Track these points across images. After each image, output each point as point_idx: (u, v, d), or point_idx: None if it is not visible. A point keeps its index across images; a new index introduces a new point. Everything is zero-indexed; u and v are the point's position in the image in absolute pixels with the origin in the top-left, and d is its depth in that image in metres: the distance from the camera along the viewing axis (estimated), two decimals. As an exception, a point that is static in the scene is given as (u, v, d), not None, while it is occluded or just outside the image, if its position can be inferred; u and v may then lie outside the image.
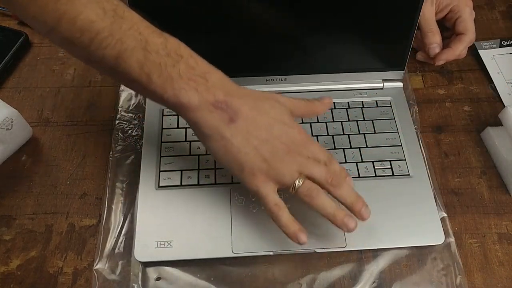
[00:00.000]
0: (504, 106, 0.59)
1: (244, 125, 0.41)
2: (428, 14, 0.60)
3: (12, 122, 0.50)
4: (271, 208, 0.42)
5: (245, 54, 0.55)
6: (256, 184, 0.42)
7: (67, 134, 0.56)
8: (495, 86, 0.61)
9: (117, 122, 0.56)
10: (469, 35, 0.59)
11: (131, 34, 0.37)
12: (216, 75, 0.41)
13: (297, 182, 0.42)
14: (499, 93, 0.60)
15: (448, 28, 0.63)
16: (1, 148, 0.51)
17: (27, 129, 0.54)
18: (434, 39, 0.59)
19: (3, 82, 0.59)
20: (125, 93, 0.58)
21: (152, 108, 0.56)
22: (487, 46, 0.64)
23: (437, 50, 0.59)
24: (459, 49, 0.59)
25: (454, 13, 0.60)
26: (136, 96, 0.58)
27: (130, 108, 0.57)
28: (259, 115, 0.42)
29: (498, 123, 0.54)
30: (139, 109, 0.57)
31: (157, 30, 0.39)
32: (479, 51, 0.64)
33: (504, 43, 0.65)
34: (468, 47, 0.61)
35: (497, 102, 0.60)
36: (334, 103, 0.57)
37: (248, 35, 0.53)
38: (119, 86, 0.59)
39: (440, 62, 0.60)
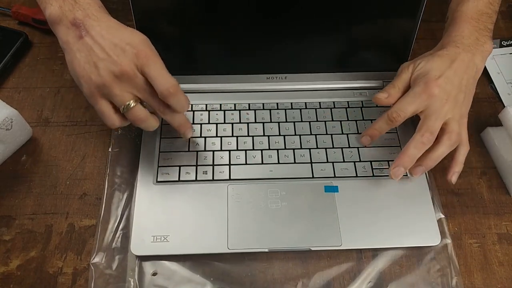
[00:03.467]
0: (504, 106, 0.59)
1: (90, 42, 0.44)
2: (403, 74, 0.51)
3: (12, 122, 0.50)
4: (107, 124, 0.46)
5: (245, 53, 0.56)
6: (94, 101, 0.45)
7: (67, 134, 0.56)
8: (495, 86, 0.61)
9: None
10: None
11: None
12: (87, 0, 0.45)
13: (126, 104, 0.44)
14: (499, 93, 0.60)
15: None
16: (1, 148, 0.51)
17: (27, 129, 0.54)
18: (385, 89, 0.50)
19: (3, 82, 0.59)
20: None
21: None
22: (487, 46, 0.64)
23: (382, 100, 0.50)
24: (379, 127, 0.50)
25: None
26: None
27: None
28: (108, 36, 0.44)
29: (498, 123, 0.54)
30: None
31: None
32: (479, 51, 0.64)
33: (504, 43, 0.65)
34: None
35: (497, 102, 0.60)
36: (334, 102, 0.57)
37: (248, 33, 0.53)
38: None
39: (363, 141, 0.53)
